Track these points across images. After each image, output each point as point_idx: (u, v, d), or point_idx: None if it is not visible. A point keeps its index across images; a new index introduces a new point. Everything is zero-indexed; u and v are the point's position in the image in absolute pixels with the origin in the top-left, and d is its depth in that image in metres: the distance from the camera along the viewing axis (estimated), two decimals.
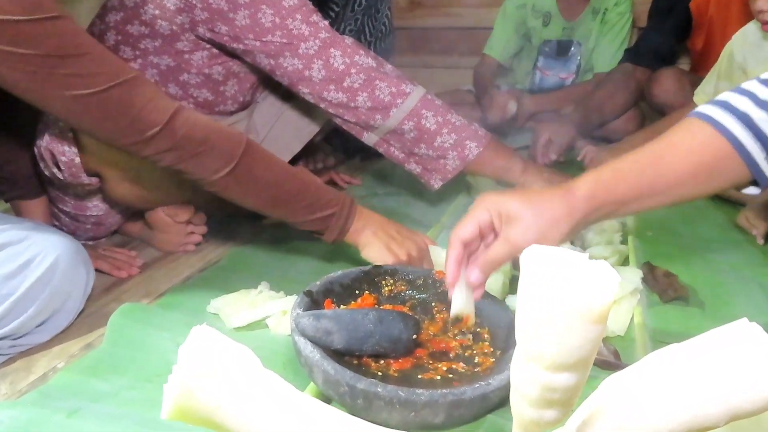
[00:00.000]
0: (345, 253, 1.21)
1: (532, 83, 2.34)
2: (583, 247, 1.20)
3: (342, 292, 0.90)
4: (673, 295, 1.05)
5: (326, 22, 1.27)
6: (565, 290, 0.41)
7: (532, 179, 1.35)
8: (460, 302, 0.81)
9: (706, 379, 0.44)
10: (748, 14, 1.53)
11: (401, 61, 2.66)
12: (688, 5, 1.97)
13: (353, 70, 1.26)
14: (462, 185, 1.56)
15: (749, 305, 1.05)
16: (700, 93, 1.63)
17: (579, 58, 2.26)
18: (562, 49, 2.27)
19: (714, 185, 0.75)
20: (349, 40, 1.28)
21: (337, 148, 1.94)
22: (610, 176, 0.75)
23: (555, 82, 2.30)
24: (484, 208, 0.76)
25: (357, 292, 0.92)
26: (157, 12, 1.21)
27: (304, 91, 1.29)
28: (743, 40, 1.54)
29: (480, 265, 0.77)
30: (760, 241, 1.31)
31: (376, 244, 1.04)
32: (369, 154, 1.40)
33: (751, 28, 1.53)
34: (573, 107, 2.03)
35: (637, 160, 0.75)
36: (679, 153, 0.73)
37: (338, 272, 0.92)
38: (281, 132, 1.47)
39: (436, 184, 1.36)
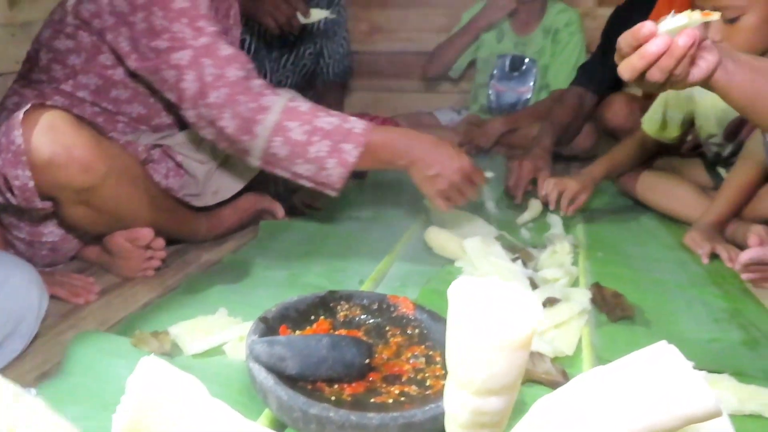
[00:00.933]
0: (304, 279, 1.22)
1: (489, 102, 2.42)
2: (536, 269, 1.23)
3: (297, 318, 0.91)
4: (621, 314, 1.08)
5: (214, 28, 1.18)
6: (490, 320, 0.44)
7: (420, 158, 1.22)
8: None
9: (627, 399, 0.47)
10: None
11: (362, 85, 2.72)
12: None
13: (219, 83, 1.15)
14: (420, 208, 1.57)
15: (693, 323, 1.09)
16: (647, 120, 1.63)
17: (535, 74, 2.34)
18: (515, 64, 2.36)
19: None
20: (228, 49, 1.17)
21: None
22: None
23: (514, 98, 2.38)
24: None
25: (312, 317, 0.92)
26: (76, 22, 1.20)
27: (183, 106, 1.18)
28: None
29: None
30: (705, 261, 1.36)
31: None
32: None
33: None
34: (538, 126, 2.06)
35: None
36: None
37: (294, 298, 0.93)
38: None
39: (332, 193, 1.25)
